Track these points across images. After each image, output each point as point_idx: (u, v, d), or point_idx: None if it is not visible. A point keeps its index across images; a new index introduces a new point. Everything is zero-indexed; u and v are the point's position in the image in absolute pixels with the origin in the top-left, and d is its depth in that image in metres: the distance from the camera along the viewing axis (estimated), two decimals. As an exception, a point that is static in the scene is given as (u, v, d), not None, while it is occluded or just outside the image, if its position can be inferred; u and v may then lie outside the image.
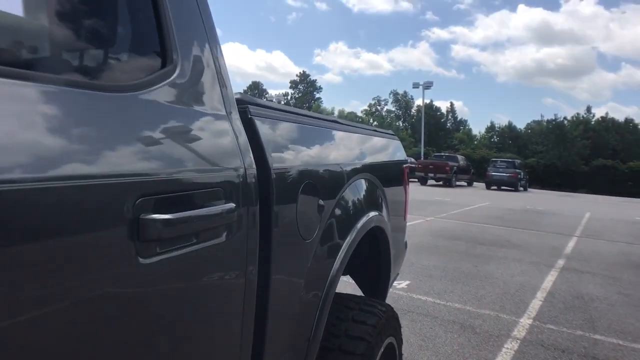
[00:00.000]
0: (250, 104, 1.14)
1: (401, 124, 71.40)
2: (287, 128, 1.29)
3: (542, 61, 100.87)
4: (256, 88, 74.61)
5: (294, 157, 1.26)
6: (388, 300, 4.44)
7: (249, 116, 1.11)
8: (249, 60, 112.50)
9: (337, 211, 1.53)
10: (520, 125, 68.95)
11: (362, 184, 1.89)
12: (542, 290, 5.02)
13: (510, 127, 62.15)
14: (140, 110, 0.81)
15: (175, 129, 0.87)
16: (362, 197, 1.84)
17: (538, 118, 61.48)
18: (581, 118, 54.89)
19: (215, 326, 0.95)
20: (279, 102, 60.65)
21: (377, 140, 2.34)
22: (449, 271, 5.63)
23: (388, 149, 2.50)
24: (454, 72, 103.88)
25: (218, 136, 0.96)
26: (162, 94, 0.86)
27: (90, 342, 0.67)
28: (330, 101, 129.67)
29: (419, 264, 5.92)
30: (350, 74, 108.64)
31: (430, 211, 11.95)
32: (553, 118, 52.67)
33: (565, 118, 54.08)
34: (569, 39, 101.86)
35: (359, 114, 74.39)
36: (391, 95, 75.52)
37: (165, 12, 0.90)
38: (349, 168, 1.73)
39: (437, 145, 54.29)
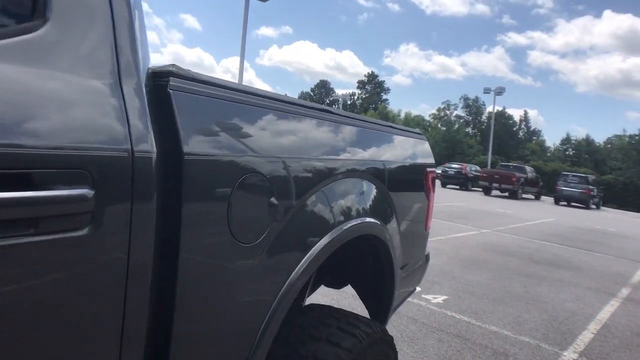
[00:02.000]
0: (176, 76, 0.94)
1: (470, 130, 69.07)
2: (225, 109, 1.06)
3: (628, 71, 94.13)
4: (323, 87, 75.02)
5: (230, 144, 1.04)
6: (419, 315, 4.15)
7: (167, 90, 0.91)
8: (318, 59, 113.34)
9: (305, 213, 1.31)
10: (599, 139, 64.95)
11: (354, 185, 1.65)
12: (597, 322, 4.50)
13: (588, 141, 58.46)
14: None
15: (30, 96, 0.69)
16: (350, 199, 1.60)
17: (620, 132, 57.44)
18: (669, 135, 50.58)
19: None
20: (345, 103, 60.57)
21: (390, 138, 2.08)
22: (494, 290, 5.20)
23: (406, 150, 2.23)
24: (529, 80, 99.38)
25: (93, 109, 0.77)
26: (15, 51, 0.68)
27: None
28: (398, 103, 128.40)
29: (463, 278, 5.52)
30: (420, 76, 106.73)
31: (487, 223, 11.32)
32: (636, 133, 48.95)
33: (650, 134, 50.11)
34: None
35: (427, 117, 72.84)
36: (461, 100, 73.26)
37: None
38: (332, 165, 1.49)
39: (507, 155, 52.03)
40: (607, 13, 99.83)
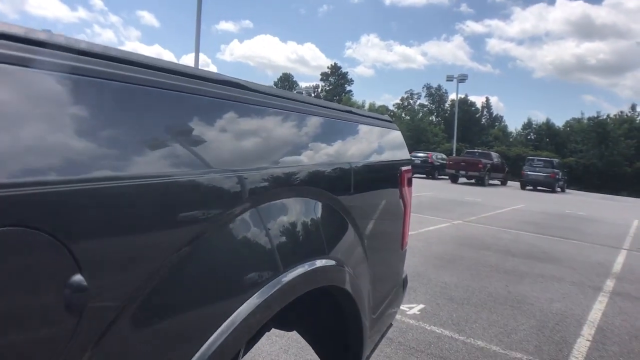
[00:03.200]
0: None
1: (434, 119, 69.40)
2: None
3: (582, 56, 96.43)
4: (287, 80, 73.86)
5: None
6: (394, 333, 3.59)
7: None
8: (280, 53, 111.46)
9: (158, 291, 0.70)
10: (559, 122, 66.05)
11: (287, 209, 1.04)
12: (589, 325, 4.04)
13: (548, 125, 59.43)
14: None
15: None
16: (282, 236, 0.99)
17: (578, 116, 58.70)
18: (625, 116, 51.94)
19: None
20: (310, 95, 59.85)
21: (349, 129, 1.48)
22: (474, 292, 4.70)
23: (371, 143, 1.63)
24: (489, 67, 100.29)
25: None
26: None
27: None
28: (362, 94, 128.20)
29: (439, 281, 5.01)
30: (383, 67, 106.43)
31: (458, 213, 10.93)
32: (595, 116, 50.09)
33: (608, 116, 51.36)
34: (611, 34, 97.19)
35: (391, 107, 72.81)
36: (424, 89, 73.61)
37: None
38: (236, 183, 0.88)
39: (471, 142, 52.44)
40: (561, 0, 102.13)
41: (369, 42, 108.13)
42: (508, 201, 15.90)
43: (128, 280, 0.65)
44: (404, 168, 1.80)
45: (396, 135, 1.86)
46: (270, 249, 0.98)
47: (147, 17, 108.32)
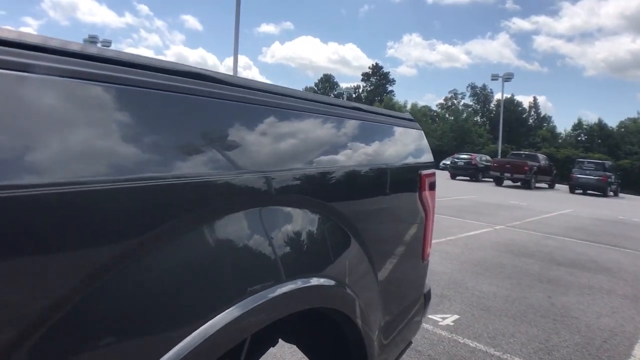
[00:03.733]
0: None
1: (479, 119, 67.67)
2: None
3: (638, 52, 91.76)
4: (327, 81, 73.85)
5: None
6: (424, 345, 3.40)
7: None
8: (321, 54, 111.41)
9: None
10: (612, 123, 63.11)
11: (268, 218, 0.91)
12: (642, 344, 3.70)
13: (600, 125, 56.79)
14: None
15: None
16: (271, 248, 0.86)
17: (633, 115, 55.81)
18: (686, 116, 48.95)
19: None
20: (349, 96, 59.46)
21: (359, 129, 1.32)
22: (513, 303, 4.42)
23: (391, 146, 1.47)
24: (536, 65, 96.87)
25: None
26: None
27: None
28: (404, 94, 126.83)
29: (476, 290, 4.75)
30: (425, 66, 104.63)
31: (501, 218, 10.50)
32: (653, 116, 47.43)
33: (667, 116, 48.54)
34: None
35: (434, 107, 71.54)
36: (469, 88, 71.84)
37: None
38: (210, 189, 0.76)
39: (518, 143, 50.75)
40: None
41: (411, 42, 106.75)
42: (555, 205, 15.20)
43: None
44: (425, 171, 1.62)
45: (417, 135, 1.69)
46: (255, 259, 0.86)
47: (191, 21, 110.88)
